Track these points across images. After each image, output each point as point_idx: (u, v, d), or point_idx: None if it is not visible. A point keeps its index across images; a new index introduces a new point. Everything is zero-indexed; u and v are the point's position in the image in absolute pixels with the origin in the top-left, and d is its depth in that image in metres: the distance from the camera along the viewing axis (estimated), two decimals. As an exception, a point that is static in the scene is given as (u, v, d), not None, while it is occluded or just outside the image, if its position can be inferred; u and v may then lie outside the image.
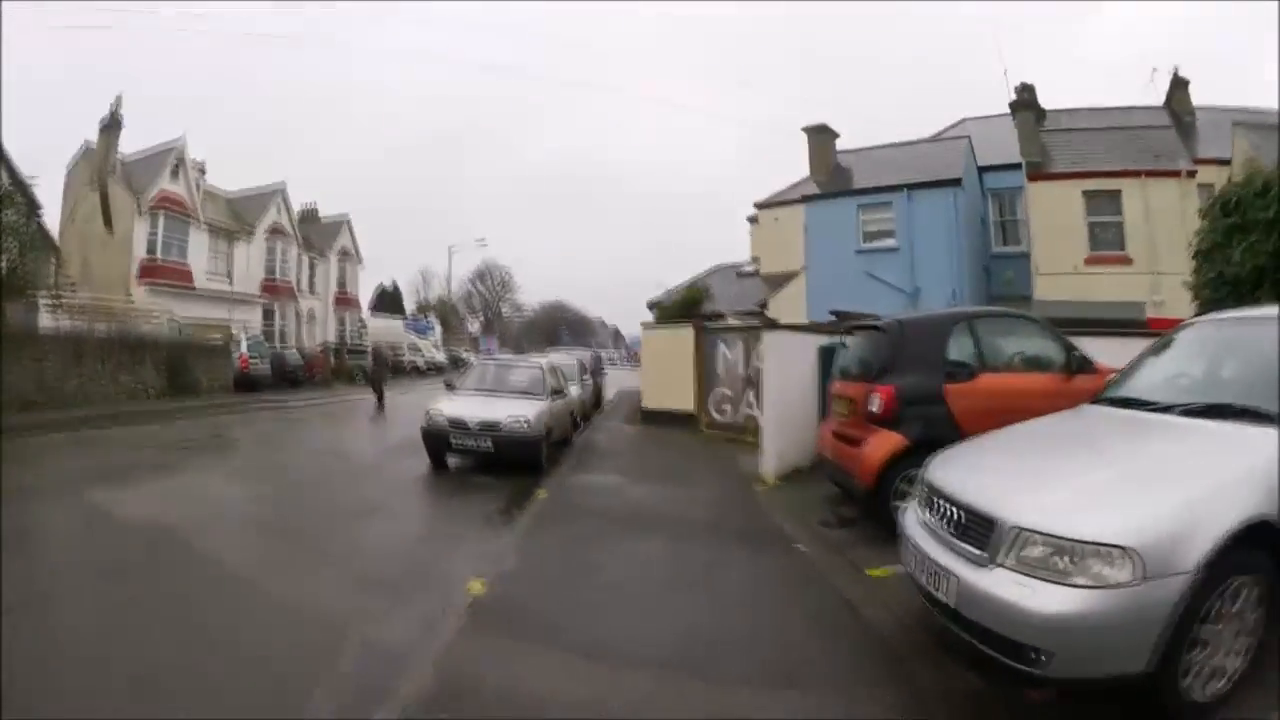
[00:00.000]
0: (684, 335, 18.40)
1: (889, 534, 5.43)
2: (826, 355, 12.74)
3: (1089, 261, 20.85)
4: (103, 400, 20.13)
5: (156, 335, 24.89)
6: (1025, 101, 23.92)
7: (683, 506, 9.71)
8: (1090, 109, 25.62)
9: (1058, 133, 23.76)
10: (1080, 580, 3.46)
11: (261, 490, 10.75)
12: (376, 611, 5.68)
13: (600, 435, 17.50)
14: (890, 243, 23.13)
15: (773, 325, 11.03)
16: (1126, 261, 20.58)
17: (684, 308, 24.65)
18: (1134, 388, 5.43)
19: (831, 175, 25.86)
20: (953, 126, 29.40)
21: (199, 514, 8.82)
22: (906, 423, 7.80)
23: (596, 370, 26.81)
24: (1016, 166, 23.14)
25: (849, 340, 9.73)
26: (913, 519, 4.88)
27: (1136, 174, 20.66)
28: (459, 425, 12.30)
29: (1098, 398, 5.71)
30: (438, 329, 65.51)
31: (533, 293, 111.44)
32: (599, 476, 12.00)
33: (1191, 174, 20.04)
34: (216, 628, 5.30)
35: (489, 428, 12.15)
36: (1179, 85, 24.77)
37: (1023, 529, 3.71)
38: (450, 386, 14.52)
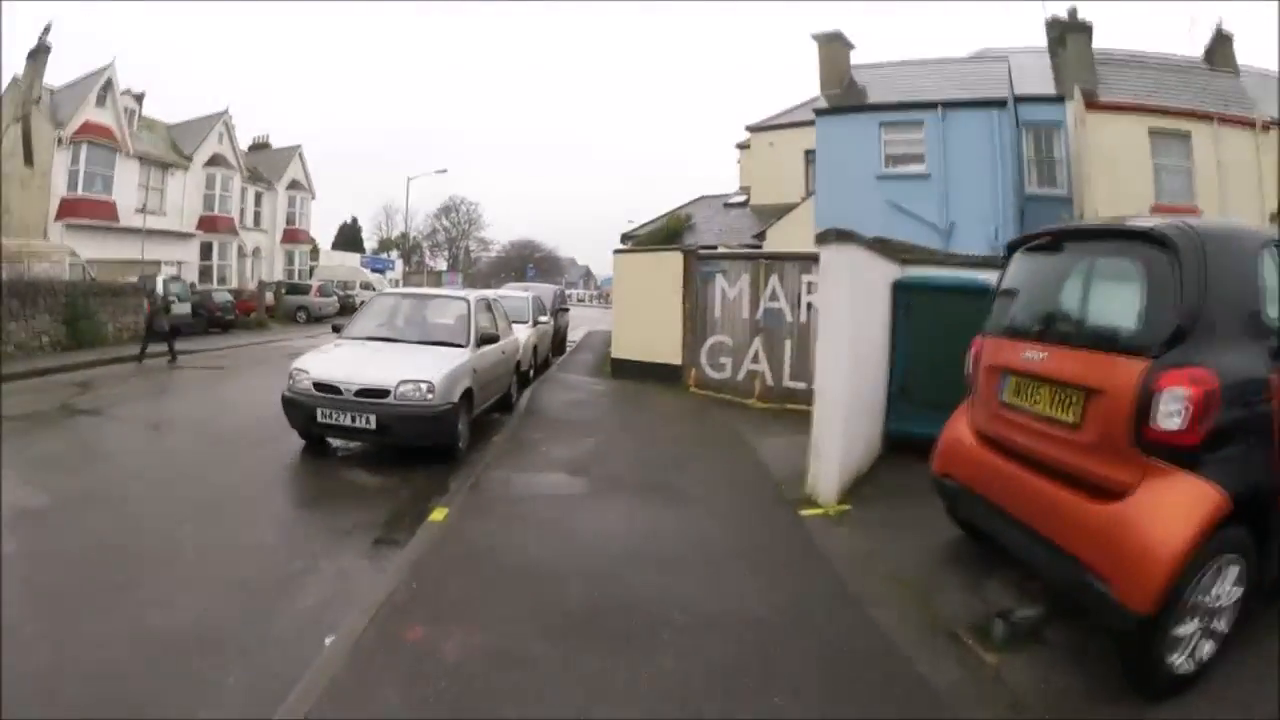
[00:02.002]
0: (668, 263, 13.65)
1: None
2: (903, 297, 8.20)
3: (1155, 210, 16.72)
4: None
5: (54, 279, 20.40)
6: (1075, 23, 19.76)
7: (689, 571, 5.00)
8: (1125, 52, 21.36)
9: (1110, 65, 19.77)
10: None
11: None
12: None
13: (556, 394, 12.82)
14: (919, 169, 18.71)
15: (844, 236, 6.34)
16: (1195, 214, 16.31)
17: (664, 239, 20.08)
18: None
19: (846, 91, 21.20)
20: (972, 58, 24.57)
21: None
22: (1222, 455, 3.43)
23: (559, 309, 22.04)
24: (1054, 99, 19.58)
25: (1030, 262, 5.02)
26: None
27: (1209, 117, 17.32)
28: (328, 391, 7.80)
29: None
30: (398, 266, 60.82)
31: (503, 230, 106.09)
32: (542, 477, 7.34)
33: (1268, 126, 17.03)
34: None
35: (371, 395, 7.65)
36: (1223, 40, 21.13)
37: None
38: (338, 330, 9.82)
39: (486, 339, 9.37)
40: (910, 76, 20.64)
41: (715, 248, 18.67)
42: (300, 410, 7.87)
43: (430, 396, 7.59)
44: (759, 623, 4.23)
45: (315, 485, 7.52)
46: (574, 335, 24.74)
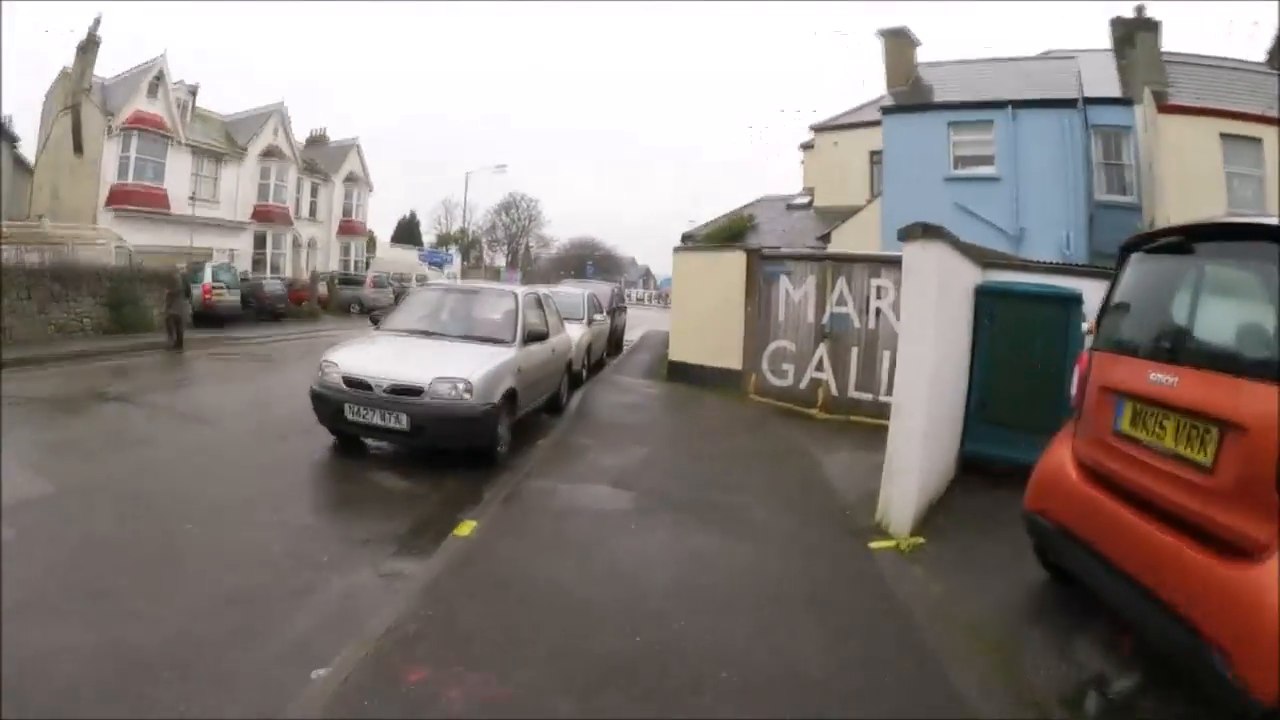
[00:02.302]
0: (730, 263, 12.98)
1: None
2: (985, 304, 7.46)
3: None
4: (32, 339, 15.42)
5: (99, 264, 20.43)
6: (1143, 21, 18.64)
7: (741, 614, 4.34)
8: (1189, 54, 19.90)
9: (1176, 66, 18.36)
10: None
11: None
12: None
13: (609, 396, 12.27)
14: (988, 171, 17.70)
15: (931, 232, 5.66)
16: None
17: (725, 239, 19.39)
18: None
19: (912, 89, 20.27)
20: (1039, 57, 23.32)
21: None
22: None
23: (616, 307, 21.51)
24: (1122, 102, 18.27)
25: (1153, 265, 4.27)
26: None
27: (1275, 122, 15.57)
28: (359, 387, 7.29)
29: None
30: (456, 261, 60.99)
31: (563, 227, 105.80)
32: (586, 489, 6.75)
33: None
34: None
35: (404, 393, 7.12)
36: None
37: None
38: (376, 323, 9.37)
39: (534, 336, 8.82)
40: (977, 75, 19.64)
41: (779, 249, 17.96)
42: (328, 406, 7.39)
43: (468, 396, 7.05)
44: (819, 686, 3.57)
45: (337, 488, 7.05)
46: (631, 335, 24.16)
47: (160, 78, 30.13)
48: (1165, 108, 16.41)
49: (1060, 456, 4.52)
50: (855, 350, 11.30)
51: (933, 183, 17.67)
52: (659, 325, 24.83)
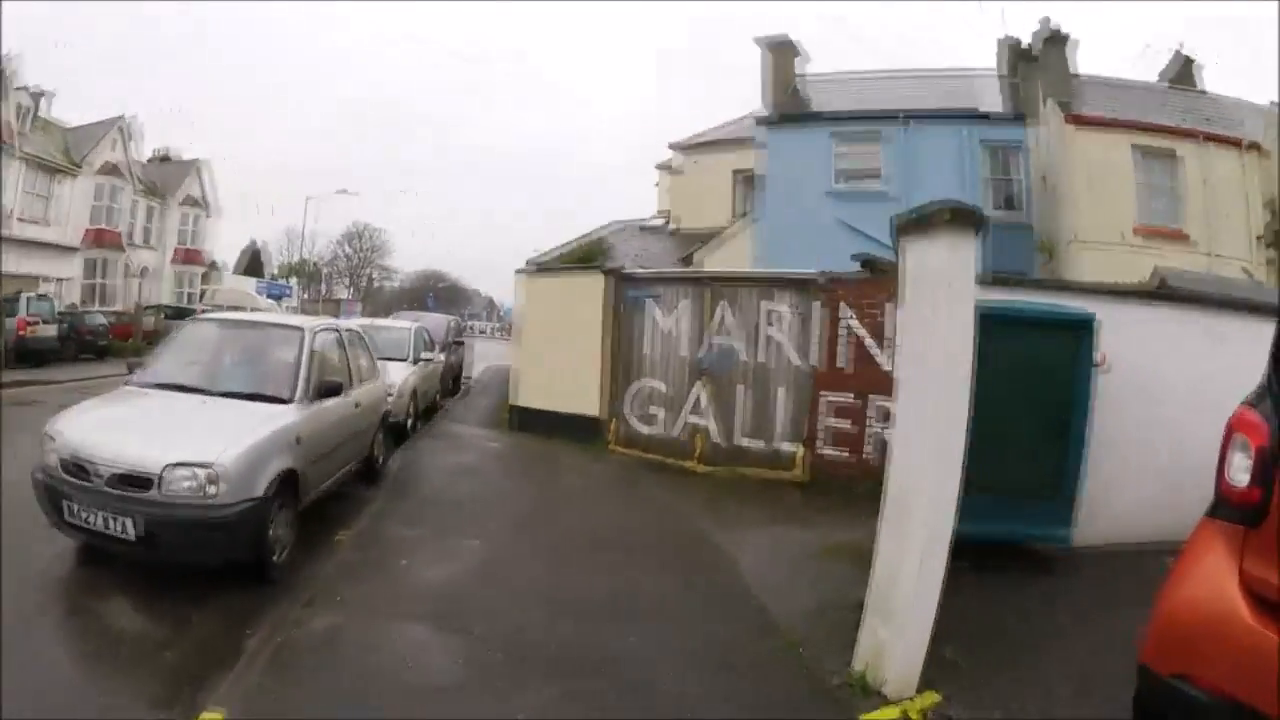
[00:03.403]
0: (587, 287, 11.01)
1: None
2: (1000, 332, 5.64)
3: (1139, 232, 15.29)
4: None
5: None
6: (1053, 34, 17.76)
7: None
8: (1092, 75, 20.10)
9: (1083, 83, 17.93)
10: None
11: None
12: None
13: (440, 455, 9.96)
14: (876, 185, 16.45)
15: (963, 217, 3.61)
16: (1182, 238, 15.35)
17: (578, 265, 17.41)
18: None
19: (792, 101, 19.01)
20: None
21: None
22: None
23: (452, 342, 18.97)
24: (1013, 119, 17.59)
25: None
26: None
27: (1195, 135, 15.82)
28: (77, 474, 4.84)
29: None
30: (296, 293, 56.61)
31: (409, 258, 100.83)
32: (393, 635, 4.40)
33: (1254, 147, 15.66)
34: None
35: (131, 485, 4.71)
36: (1185, 64, 19.89)
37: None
38: (131, 369, 6.66)
39: (329, 390, 6.39)
40: (862, 88, 18.55)
41: (646, 269, 16.03)
42: (48, 499, 4.94)
43: (215, 490, 4.62)
44: None
45: (29, 634, 4.37)
46: (473, 373, 21.89)
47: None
48: (1074, 119, 15.95)
49: (1213, 582, 2.66)
50: (742, 389, 9.54)
51: (814, 198, 16.32)
52: (503, 360, 22.48)
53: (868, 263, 10.38)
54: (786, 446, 9.33)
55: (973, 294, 3.81)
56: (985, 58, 21.66)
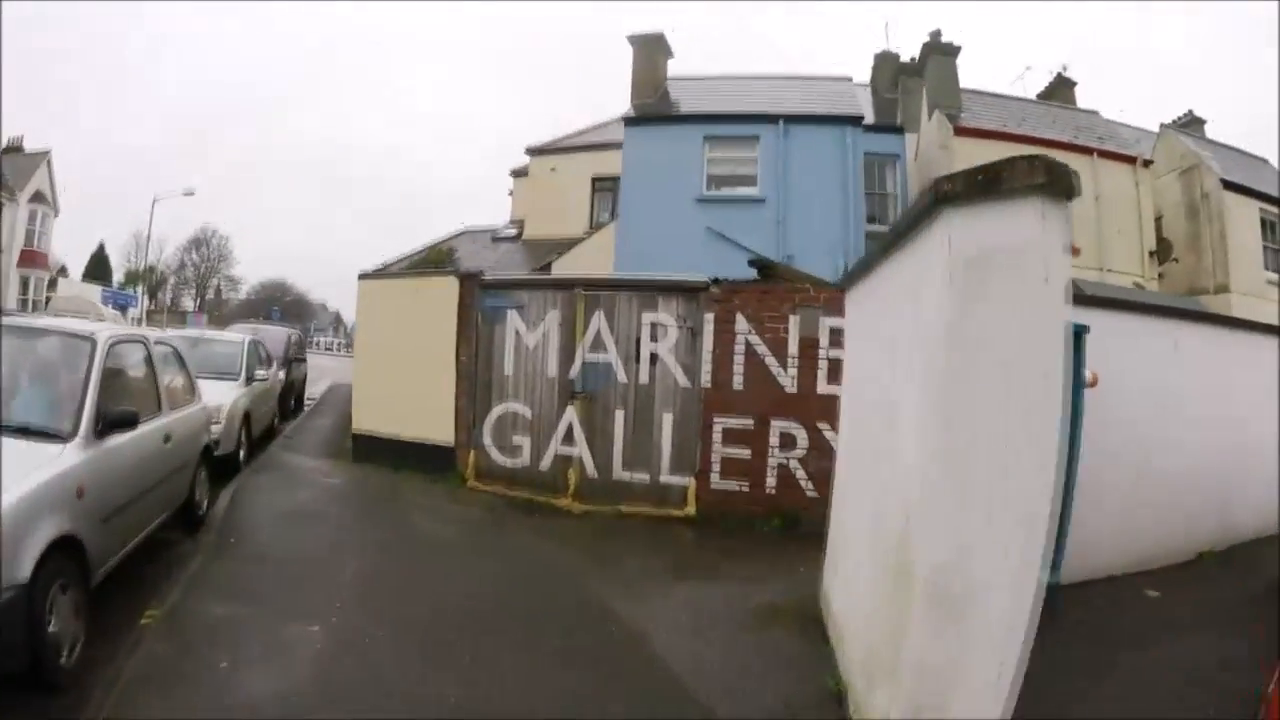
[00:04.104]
0: (437, 294, 9.38)
1: None
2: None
3: None
4: None
5: None
6: (940, 45, 17.48)
7: None
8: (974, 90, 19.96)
9: (968, 96, 17.78)
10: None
11: None
12: None
13: (274, 493, 8.23)
14: (750, 192, 15.28)
15: (1061, 181, 2.16)
16: (1074, 252, 14.51)
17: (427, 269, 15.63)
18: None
19: (660, 102, 17.71)
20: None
21: None
22: None
23: (293, 359, 16.73)
24: (890, 129, 17.47)
25: None
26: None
27: (1088, 151, 15.99)
28: None
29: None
30: (142, 302, 51.42)
31: (255, 268, 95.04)
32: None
33: (1147, 163, 16.51)
34: None
35: None
36: (1063, 84, 20.38)
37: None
38: None
39: (123, 420, 4.61)
40: (736, 90, 17.48)
41: (506, 274, 14.30)
42: None
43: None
44: None
45: None
46: (315, 390, 19.68)
47: None
48: (964, 130, 15.63)
49: None
50: (621, 414, 8.26)
51: (682, 204, 15.05)
52: (349, 377, 20.21)
53: (764, 268, 9.12)
54: (674, 479, 8.09)
55: (1069, 288, 2.57)
56: (863, 72, 21.34)
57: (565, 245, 17.83)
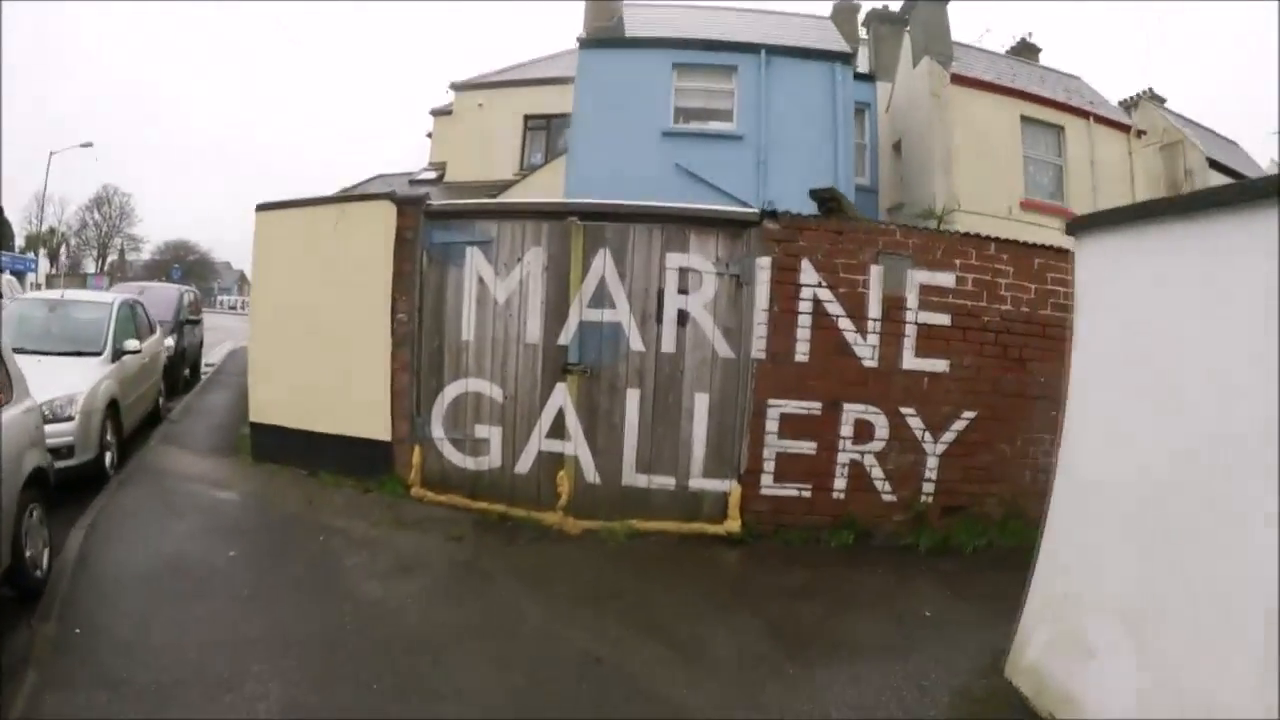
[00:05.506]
0: (366, 227, 6.45)
1: None
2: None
3: (1026, 206, 13.66)
4: None
5: None
6: None
7: None
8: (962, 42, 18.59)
9: (961, 46, 16.18)
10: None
11: None
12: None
13: (145, 523, 5.34)
14: (726, 127, 12.92)
15: None
16: (1068, 215, 13.81)
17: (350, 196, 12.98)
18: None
19: (618, 28, 15.24)
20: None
21: None
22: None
23: (184, 321, 13.58)
24: (860, 77, 15.56)
25: None
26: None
27: (1085, 115, 14.87)
28: None
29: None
30: (43, 266, 47.47)
31: (160, 227, 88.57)
32: None
33: (1141, 133, 15.41)
34: None
35: None
36: (1028, 49, 18.76)
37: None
38: None
39: None
40: (705, 20, 14.91)
41: (464, 202, 11.52)
42: None
43: None
44: None
45: None
46: (215, 355, 16.50)
47: None
48: (961, 79, 13.94)
49: None
50: (635, 395, 5.72)
51: (645, 139, 12.57)
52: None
53: (830, 200, 6.72)
54: (710, 484, 5.62)
55: None
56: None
57: (493, 189, 15.16)
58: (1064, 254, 6.07)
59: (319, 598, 4.31)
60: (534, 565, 4.87)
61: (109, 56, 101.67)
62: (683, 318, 5.54)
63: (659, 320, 5.58)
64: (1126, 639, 3.00)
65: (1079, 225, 3.68)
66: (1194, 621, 2.70)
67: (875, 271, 5.50)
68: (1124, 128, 15.16)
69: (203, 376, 13.55)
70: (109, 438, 6.82)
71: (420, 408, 6.15)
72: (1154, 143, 15.65)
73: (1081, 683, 3.23)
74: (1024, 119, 14.30)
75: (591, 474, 5.72)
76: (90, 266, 64.28)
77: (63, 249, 62.56)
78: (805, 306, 5.47)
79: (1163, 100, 17.80)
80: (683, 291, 5.54)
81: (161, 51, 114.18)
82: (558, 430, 5.78)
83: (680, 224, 5.61)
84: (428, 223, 6.15)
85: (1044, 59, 17.97)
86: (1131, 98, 17.56)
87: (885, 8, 17.52)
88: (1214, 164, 15.17)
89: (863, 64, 16.66)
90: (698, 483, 5.61)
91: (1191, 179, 15.03)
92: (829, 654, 3.97)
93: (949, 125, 13.55)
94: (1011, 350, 5.77)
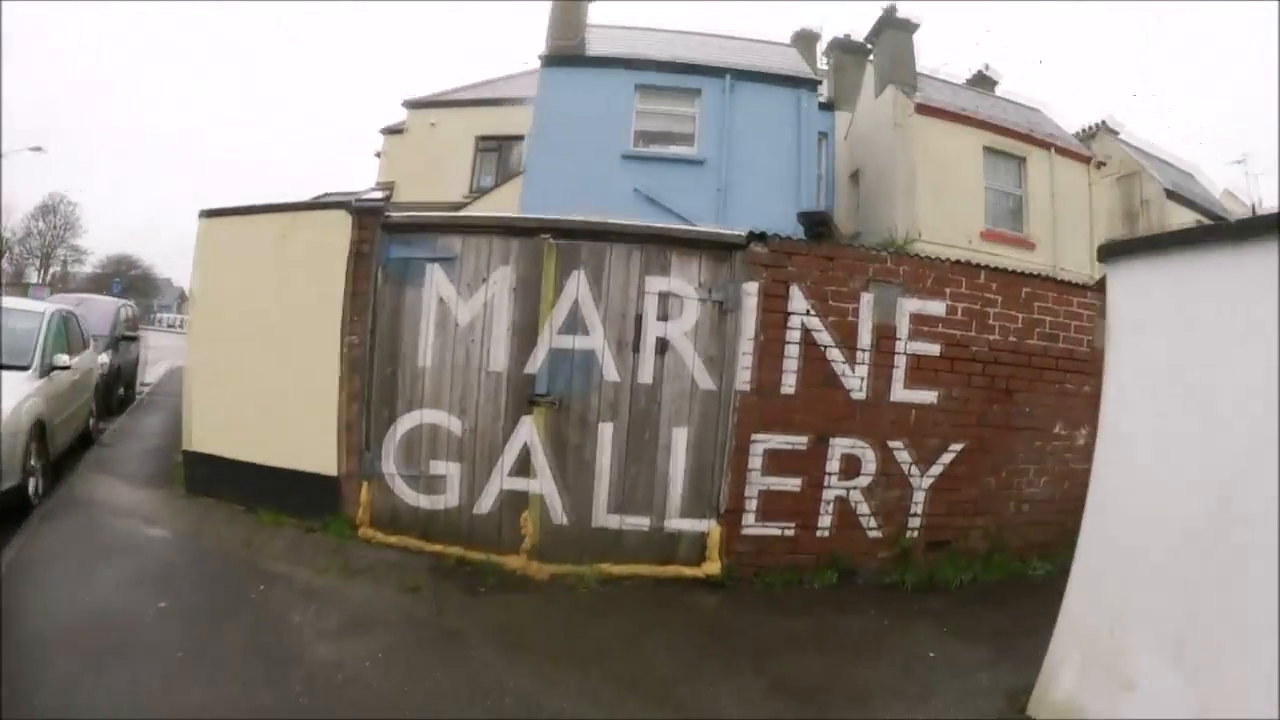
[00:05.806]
0: (318, 239, 5.93)
1: None
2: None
3: (986, 236, 13.73)
4: None
5: None
6: (896, 19, 15.38)
7: None
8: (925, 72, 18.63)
9: (921, 76, 16.10)
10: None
11: None
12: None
13: (66, 568, 4.71)
14: (687, 151, 12.75)
15: None
16: (1028, 245, 14.16)
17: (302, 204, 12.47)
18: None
19: (581, 47, 15.04)
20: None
21: None
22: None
23: (121, 337, 12.78)
24: (824, 107, 15.81)
25: None
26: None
27: (1046, 145, 15.04)
28: None
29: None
30: None
31: (105, 239, 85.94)
32: None
33: (1100, 164, 15.67)
34: None
35: None
36: (984, 80, 18.69)
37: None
38: None
39: None
40: (669, 44, 14.73)
41: (426, 214, 10.88)
42: None
43: None
44: None
45: None
46: (153, 374, 15.69)
47: None
48: (926, 109, 14.04)
49: None
50: (609, 430, 5.27)
51: (604, 162, 12.37)
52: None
53: (818, 223, 6.41)
54: (688, 524, 5.19)
55: None
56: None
57: (444, 211, 15.06)
58: (1050, 282, 5.93)
59: (264, 663, 3.72)
60: (503, 620, 4.33)
61: (64, 53, 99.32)
62: (662, 346, 5.12)
63: (636, 349, 5.16)
64: (1172, 672, 2.90)
65: (1114, 250, 3.41)
66: (1244, 652, 2.63)
67: (866, 300, 5.18)
68: (1085, 158, 15.31)
69: (138, 396, 12.80)
70: (34, 462, 6.08)
71: (370, 441, 5.60)
72: (1112, 174, 15.86)
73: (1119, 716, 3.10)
74: (986, 149, 14.35)
75: (559, 514, 5.24)
76: (34, 276, 61.83)
77: (4, 257, 60.66)
78: (794, 336, 5.10)
79: (1116, 132, 18.11)
80: (662, 318, 5.13)
81: (120, 50, 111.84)
82: (523, 467, 5.28)
83: (661, 245, 5.19)
84: (385, 236, 5.64)
85: (1000, 90, 18.07)
86: (1088, 128, 17.79)
87: (847, 36, 17.43)
88: (1171, 194, 15.29)
89: (821, 93, 16.72)
90: (675, 523, 5.17)
91: (1148, 210, 15.17)
92: (847, 709, 3.63)
93: (911, 155, 13.42)
94: (999, 380, 5.53)
